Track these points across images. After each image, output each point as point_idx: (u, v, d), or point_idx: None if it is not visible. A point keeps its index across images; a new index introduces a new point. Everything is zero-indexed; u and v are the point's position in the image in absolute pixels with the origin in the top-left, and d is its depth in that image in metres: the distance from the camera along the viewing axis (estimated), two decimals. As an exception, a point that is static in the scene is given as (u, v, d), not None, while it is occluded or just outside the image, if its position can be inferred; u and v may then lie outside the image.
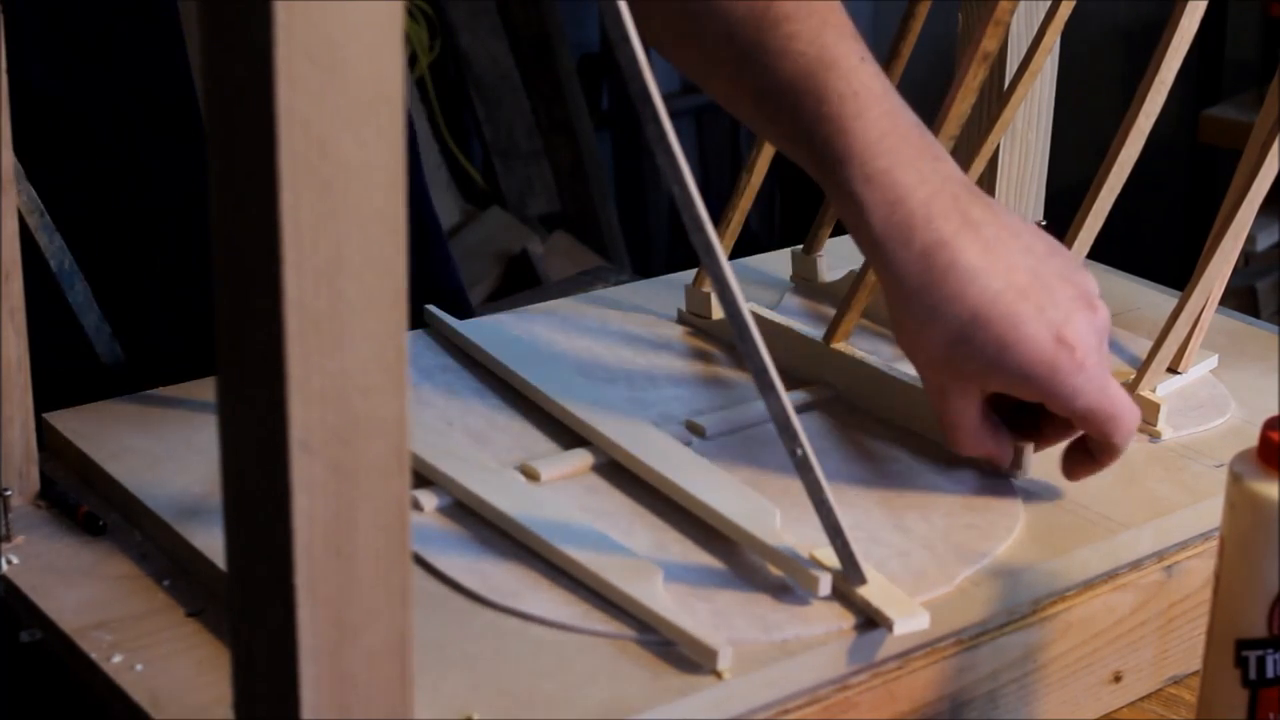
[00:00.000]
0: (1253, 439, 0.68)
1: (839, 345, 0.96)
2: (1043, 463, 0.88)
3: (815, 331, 0.98)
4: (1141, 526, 0.83)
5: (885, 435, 0.91)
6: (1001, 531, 0.82)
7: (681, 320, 1.05)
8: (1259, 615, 0.67)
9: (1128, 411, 0.81)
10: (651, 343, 1.02)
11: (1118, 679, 0.83)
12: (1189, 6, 0.88)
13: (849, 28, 0.86)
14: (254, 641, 0.55)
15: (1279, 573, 0.66)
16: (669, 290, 1.08)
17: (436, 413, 0.92)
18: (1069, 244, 0.96)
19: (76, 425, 0.89)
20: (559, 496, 0.83)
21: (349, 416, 0.51)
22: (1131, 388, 0.93)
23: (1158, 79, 0.90)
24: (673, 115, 0.64)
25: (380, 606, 0.54)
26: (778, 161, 1.00)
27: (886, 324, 1.04)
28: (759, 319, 0.99)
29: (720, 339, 1.02)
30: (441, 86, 2.75)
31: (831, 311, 1.05)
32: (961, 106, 0.94)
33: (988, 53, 0.93)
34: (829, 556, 0.75)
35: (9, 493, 0.81)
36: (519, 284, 2.49)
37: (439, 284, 1.20)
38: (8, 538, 0.80)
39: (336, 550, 0.52)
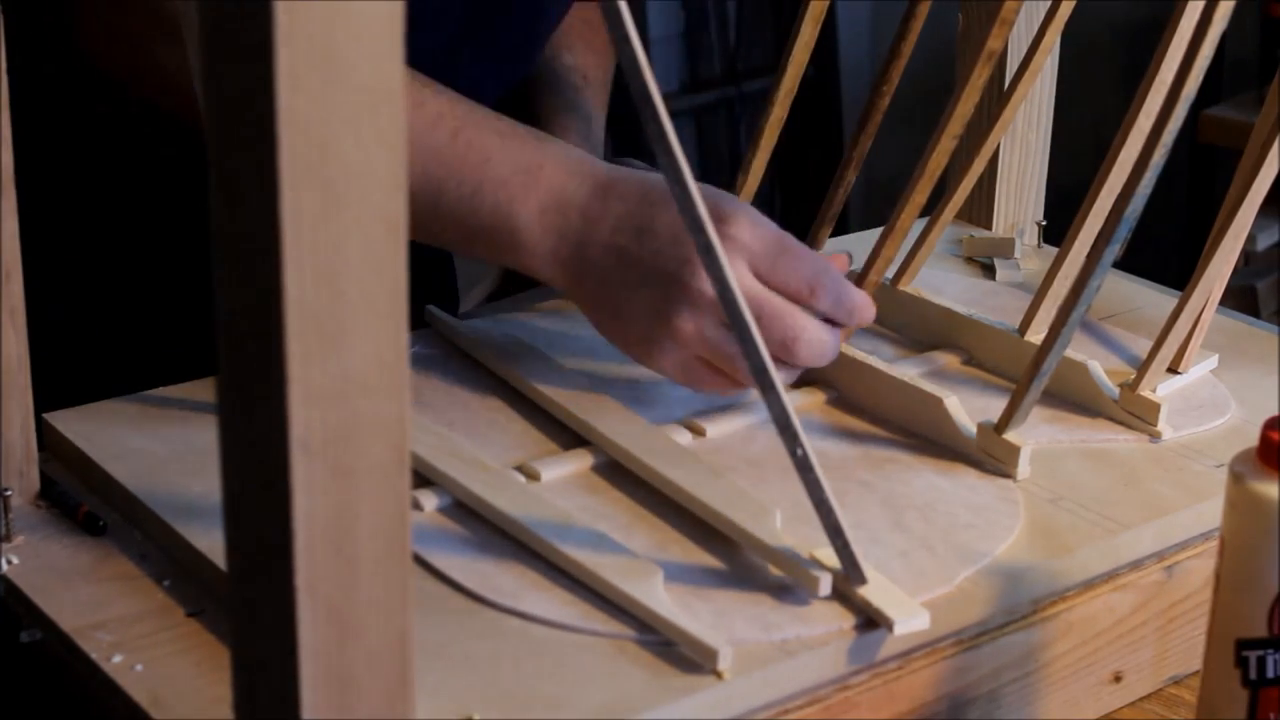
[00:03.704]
0: (1253, 439, 0.68)
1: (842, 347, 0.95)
2: (1043, 462, 0.88)
3: (815, 331, 0.97)
4: (1141, 526, 0.83)
5: (885, 435, 0.91)
6: (1001, 531, 0.82)
7: (681, 320, 1.05)
8: (1259, 615, 0.67)
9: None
10: (651, 343, 1.01)
11: (1118, 679, 0.83)
12: (1189, 7, 0.88)
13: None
14: (254, 641, 0.55)
15: (1279, 573, 0.66)
16: (669, 290, 1.08)
17: (436, 413, 0.92)
18: (1069, 244, 0.97)
19: (76, 425, 0.89)
20: (559, 496, 0.83)
21: (349, 416, 0.51)
22: (1132, 388, 0.93)
23: (1158, 79, 0.90)
24: (673, 115, 0.64)
25: (380, 606, 0.54)
26: (777, 162, 1.00)
27: (886, 324, 1.04)
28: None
29: (720, 339, 1.02)
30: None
31: (831, 311, 1.05)
32: (966, 105, 0.94)
33: (992, 52, 0.93)
34: (829, 556, 0.75)
35: (9, 493, 0.81)
36: (519, 284, 2.48)
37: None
38: (8, 538, 0.80)
39: (336, 550, 0.52)
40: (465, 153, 0.89)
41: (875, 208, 2.89)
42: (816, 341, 0.87)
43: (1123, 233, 0.86)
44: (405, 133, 0.50)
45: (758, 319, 0.85)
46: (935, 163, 0.96)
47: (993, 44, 0.93)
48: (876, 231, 1.22)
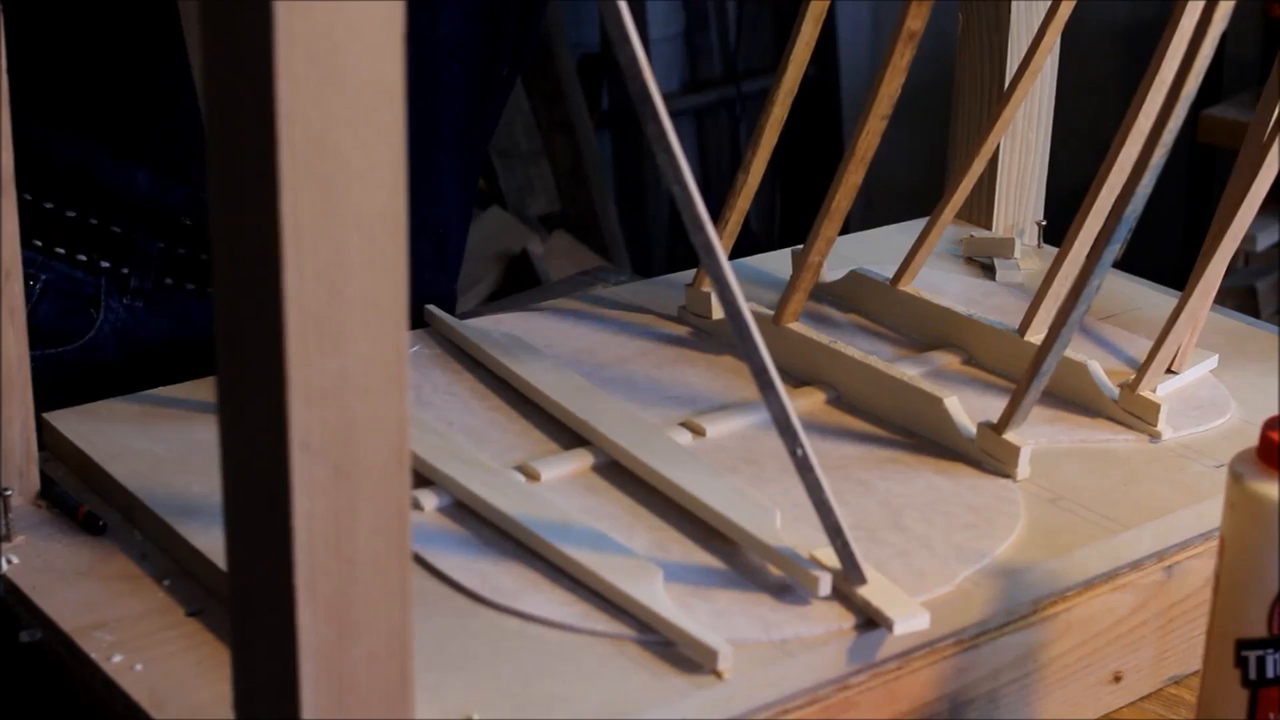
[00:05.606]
0: (1253, 439, 0.68)
1: (838, 346, 0.96)
2: (1043, 462, 0.88)
3: (815, 332, 0.98)
4: (1141, 526, 0.83)
5: (885, 435, 0.91)
6: (1001, 531, 0.82)
7: (681, 320, 1.05)
8: (1259, 615, 0.67)
9: None
10: (651, 343, 1.02)
11: (1118, 679, 0.83)
12: (1189, 6, 0.88)
13: None
14: (254, 641, 0.55)
15: (1279, 573, 0.66)
16: (669, 290, 1.08)
17: (436, 413, 0.92)
18: (1069, 244, 0.97)
19: (76, 425, 0.89)
20: (559, 496, 0.83)
21: (349, 417, 0.51)
22: (1131, 388, 0.93)
23: (1158, 79, 0.90)
24: (673, 115, 0.64)
25: (380, 606, 0.54)
26: (777, 161, 1.00)
27: (886, 324, 1.04)
28: (759, 319, 0.99)
29: (720, 339, 1.02)
30: (442, 86, 2.74)
31: (832, 312, 1.06)
32: (891, 86, 0.94)
33: (913, 32, 0.93)
34: (829, 556, 0.75)
35: (9, 493, 0.81)
36: (519, 284, 2.49)
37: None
38: (8, 538, 0.81)
39: (336, 550, 0.52)
40: None
41: (875, 207, 2.90)
42: None
43: (1123, 233, 0.86)
44: (404, 130, 0.50)
45: None
46: (865, 144, 0.96)
47: (912, 24, 0.93)
48: (877, 231, 1.22)
